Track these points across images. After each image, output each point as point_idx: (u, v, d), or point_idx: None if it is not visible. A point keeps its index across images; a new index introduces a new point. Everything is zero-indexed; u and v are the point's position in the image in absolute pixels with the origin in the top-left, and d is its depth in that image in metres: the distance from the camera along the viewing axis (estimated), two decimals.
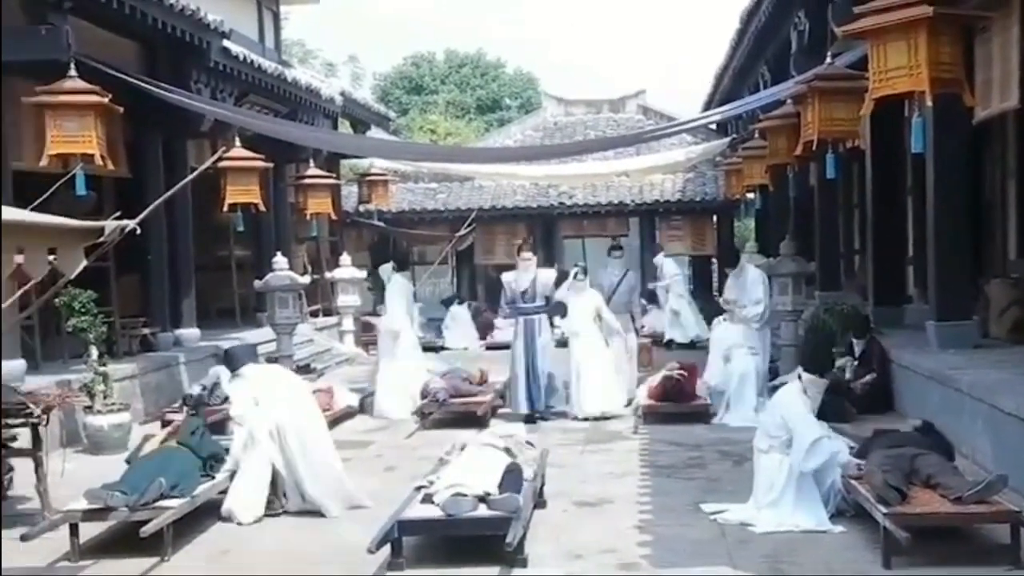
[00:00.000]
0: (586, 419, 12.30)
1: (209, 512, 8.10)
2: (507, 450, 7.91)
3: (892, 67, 8.00)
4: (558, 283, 13.28)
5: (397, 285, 14.26)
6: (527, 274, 12.65)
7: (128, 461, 8.07)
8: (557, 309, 12.83)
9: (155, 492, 7.32)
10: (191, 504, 7.61)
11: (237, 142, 14.90)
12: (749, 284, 12.48)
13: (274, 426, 8.25)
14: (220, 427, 9.83)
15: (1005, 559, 6.31)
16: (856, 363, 11.85)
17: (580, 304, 12.79)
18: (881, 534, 6.51)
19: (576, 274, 12.97)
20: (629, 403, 12.62)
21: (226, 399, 10.45)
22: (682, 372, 12.28)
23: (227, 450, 8.45)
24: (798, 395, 7.67)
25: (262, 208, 15.43)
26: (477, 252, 26.74)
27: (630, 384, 13.06)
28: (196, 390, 12.18)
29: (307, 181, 19.31)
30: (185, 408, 11.46)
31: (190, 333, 15.08)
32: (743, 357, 12.22)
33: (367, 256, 24.65)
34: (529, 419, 12.01)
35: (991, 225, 13.66)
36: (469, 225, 24.03)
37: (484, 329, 22.30)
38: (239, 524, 8.00)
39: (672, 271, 21.51)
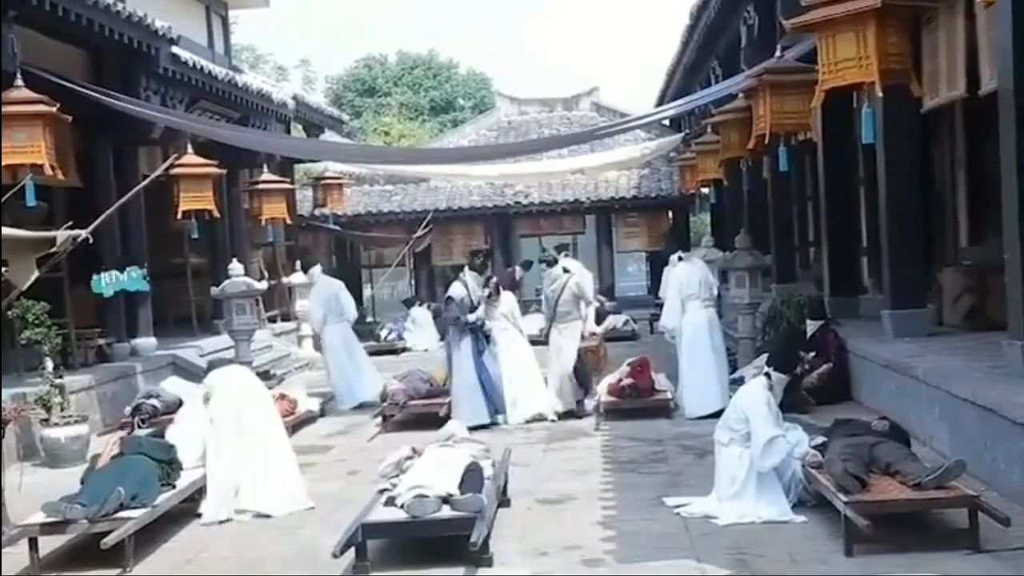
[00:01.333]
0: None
1: (172, 520, 8.04)
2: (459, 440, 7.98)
3: (841, 59, 8.08)
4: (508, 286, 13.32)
5: (317, 287, 14.61)
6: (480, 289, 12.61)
7: (83, 481, 7.97)
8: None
9: (114, 503, 7.24)
10: (152, 514, 7.54)
11: (189, 148, 14.80)
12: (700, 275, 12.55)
13: (227, 426, 8.29)
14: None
15: (964, 543, 6.38)
16: (813, 354, 11.92)
17: (498, 308, 12.82)
18: (842, 522, 6.56)
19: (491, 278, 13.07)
20: (596, 408, 12.55)
21: (176, 407, 10.64)
22: (632, 382, 12.30)
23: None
24: (762, 392, 7.70)
25: (216, 214, 15.34)
26: (434, 253, 26.77)
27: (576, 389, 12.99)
28: (141, 400, 12.02)
29: (261, 186, 19.21)
30: (135, 418, 11.35)
31: (146, 342, 14.94)
32: (698, 310, 12.29)
33: (323, 260, 24.60)
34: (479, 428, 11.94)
35: (943, 214, 13.82)
36: (426, 227, 24.04)
37: (446, 330, 22.23)
38: (218, 522, 8.13)
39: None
